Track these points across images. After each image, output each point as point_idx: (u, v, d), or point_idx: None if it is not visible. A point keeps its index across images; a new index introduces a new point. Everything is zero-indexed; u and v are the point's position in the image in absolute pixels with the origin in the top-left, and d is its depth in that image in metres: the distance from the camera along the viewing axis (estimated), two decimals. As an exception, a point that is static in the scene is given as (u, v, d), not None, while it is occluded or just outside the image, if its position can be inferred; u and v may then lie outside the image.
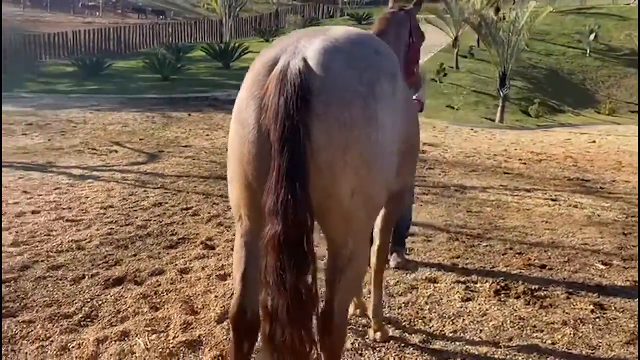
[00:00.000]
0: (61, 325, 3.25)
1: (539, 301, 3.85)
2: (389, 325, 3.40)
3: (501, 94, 18.31)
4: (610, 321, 3.58)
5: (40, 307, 3.50)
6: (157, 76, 21.11)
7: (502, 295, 3.95)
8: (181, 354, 2.97)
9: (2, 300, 3.55)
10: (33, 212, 5.59)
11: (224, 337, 3.13)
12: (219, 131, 11.74)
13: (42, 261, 4.28)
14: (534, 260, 4.73)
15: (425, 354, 3.09)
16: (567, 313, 3.69)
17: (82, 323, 3.31)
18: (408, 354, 3.08)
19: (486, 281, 4.15)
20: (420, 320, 3.51)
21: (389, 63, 2.12)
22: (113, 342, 3.06)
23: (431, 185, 7.81)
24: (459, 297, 3.87)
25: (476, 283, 4.14)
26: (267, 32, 30.68)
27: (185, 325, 3.28)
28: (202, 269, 4.22)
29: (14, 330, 3.17)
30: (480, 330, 3.41)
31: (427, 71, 4.71)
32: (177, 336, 3.14)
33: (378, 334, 3.20)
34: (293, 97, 1.78)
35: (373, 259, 3.25)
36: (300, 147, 1.78)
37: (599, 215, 6.39)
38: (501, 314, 3.62)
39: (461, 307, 3.73)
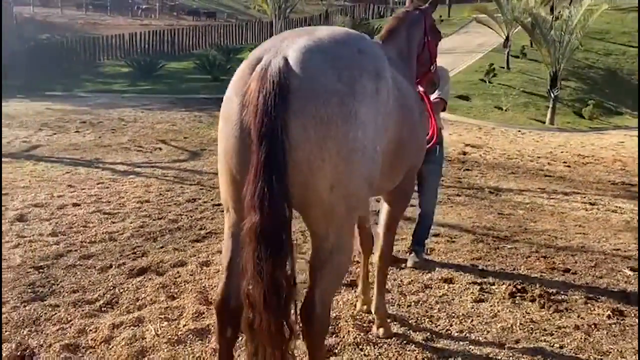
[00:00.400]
0: (83, 310, 3.46)
1: (555, 305, 3.77)
2: (395, 323, 3.43)
3: (552, 94, 17.78)
4: (627, 328, 3.48)
5: (67, 292, 3.72)
6: (207, 77, 21.71)
7: (517, 297, 3.89)
8: (188, 341, 3.11)
9: (34, 285, 3.80)
10: (74, 205, 5.91)
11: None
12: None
13: (75, 250, 4.55)
14: (558, 264, 4.63)
15: (427, 352, 3.10)
16: (581, 318, 3.61)
17: (102, 309, 3.51)
18: (409, 351, 3.11)
19: (503, 283, 4.11)
20: (427, 319, 3.52)
21: (373, 62, 2.16)
22: (127, 328, 3.23)
23: (466, 186, 7.73)
24: (471, 298, 3.85)
25: (493, 285, 4.10)
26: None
27: (197, 315, 3.42)
28: (217, 263, 4.36)
29: (39, 312, 3.39)
30: (488, 332, 3.38)
31: (448, 70, 4.67)
32: (188, 324, 3.28)
33: (381, 330, 3.24)
34: (272, 94, 1.86)
35: (376, 257, 3.29)
36: (278, 143, 1.86)
37: (638, 221, 6.15)
38: (512, 317, 3.58)
39: (472, 307, 3.71)
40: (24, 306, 3.46)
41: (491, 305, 3.76)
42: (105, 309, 3.52)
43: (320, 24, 34.49)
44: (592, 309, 3.76)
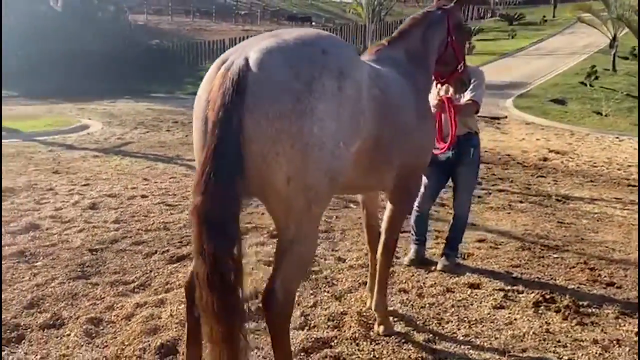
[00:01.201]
0: (117, 290, 3.81)
1: (580, 317, 3.60)
2: (401, 322, 3.46)
3: (659, 99, 16.36)
4: (654, 347, 3.25)
5: (109, 273, 4.11)
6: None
7: (542, 307, 3.75)
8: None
9: (83, 265, 4.23)
10: (142, 197, 6.43)
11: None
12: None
13: (130, 237, 4.98)
14: (604, 277, 4.37)
15: (422, 352, 3.10)
16: (605, 333, 3.41)
17: (134, 290, 3.85)
18: (404, 349, 3.13)
19: (532, 292, 3.96)
20: (435, 321, 3.50)
21: (337, 62, 2.23)
22: (149, 308, 3.52)
23: (533, 193, 7.41)
24: (491, 304, 3.76)
25: (521, 293, 3.98)
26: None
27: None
28: (254, 254, 4.59)
29: (80, 289, 3.79)
30: (495, 338, 3.31)
31: (483, 70, 4.54)
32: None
33: (381, 327, 3.28)
34: (230, 91, 2.02)
35: (378, 255, 3.33)
36: (230, 134, 2.00)
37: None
38: (528, 325, 3.47)
39: (488, 314, 3.63)
40: (69, 283, 3.88)
41: (510, 313, 3.65)
42: (137, 290, 3.85)
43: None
44: (621, 324, 3.54)
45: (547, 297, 3.88)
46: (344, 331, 3.30)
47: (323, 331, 3.28)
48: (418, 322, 3.48)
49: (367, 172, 2.64)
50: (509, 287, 4.06)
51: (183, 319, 3.34)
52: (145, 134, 11.60)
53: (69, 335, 3.17)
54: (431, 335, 3.32)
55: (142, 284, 3.95)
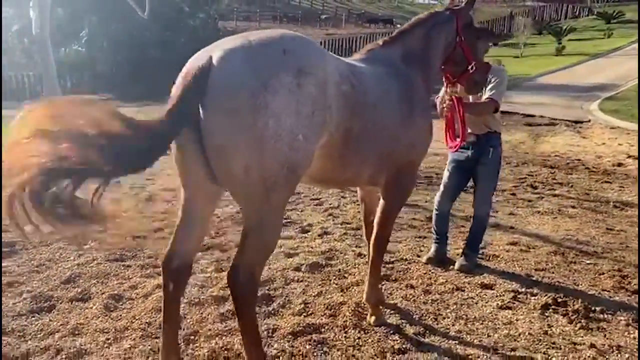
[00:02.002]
0: (146, 272, 4.19)
1: (587, 322, 3.50)
2: (397, 315, 3.54)
3: None
4: (657, 355, 3.11)
5: (144, 257, 4.51)
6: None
7: (550, 310, 3.68)
8: (206, 305, 3.62)
9: (123, 250, 4.67)
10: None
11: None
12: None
13: (172, 227, 5.35)
14: (634, 284, 4.17)
15: (407, 344, 3.18)
16: (608, 339, 3.30)
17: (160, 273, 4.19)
18: (390, 340, 3.21)
19: (545, 295, 3.89)
20: (432, 316, 3.55)
21: (298, 61, 2.38)
22: (167, 288, 3.85)
23: (591, 199, 7.08)
24: (497, 304, 3.74)
25: (534, 295, 3.91)
26: (498, 37, 29.71)
27: (226, 285, 3.91)
28: (278, 247, 4.81)
29: (113, 269, 4.21)
30: (488, 336, 3.31)
31: (504, 69, 4.48)
32: (214, 292, 3.80)
33: (372, 318, 3.39)
34: (191, 87, 2.26)
35: (370, 248, 3.44)
36: (194, 131, 2.25)
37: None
38: (527, 326, 3.43)
39: (490, 313, 3.62)
40: (105, 264, 4.31)
41: (513, 313, 3.62)
42: (163, 272, 4.20)
43: (505, 26, 33.05)
44: (630, 332, 3.41)
45: (559, 300, 3.79)
46: (337, 319, 3.44)
47: (318, 318, 3.44)
48: (414, 316, 3.54)
49: (341, 166, 2.78)
50: (522, 289, 4.00)
51: (194, 301, 3.65)
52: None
53: (91, 308, 3.56)
54: (422, 329, 3.38)
55: (170, 268, 4.29)
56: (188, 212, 2.64)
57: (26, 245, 4.68)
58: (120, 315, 3.47)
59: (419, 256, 4.65)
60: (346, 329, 3.32)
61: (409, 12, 49.41)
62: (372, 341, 3.20)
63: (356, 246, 4.91)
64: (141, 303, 3.64)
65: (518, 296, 3.88)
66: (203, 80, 2.24)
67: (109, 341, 3.14)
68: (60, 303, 3.62)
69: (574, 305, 3.73)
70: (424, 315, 3.57)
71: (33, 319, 3.39)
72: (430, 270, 4.36)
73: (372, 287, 3.44)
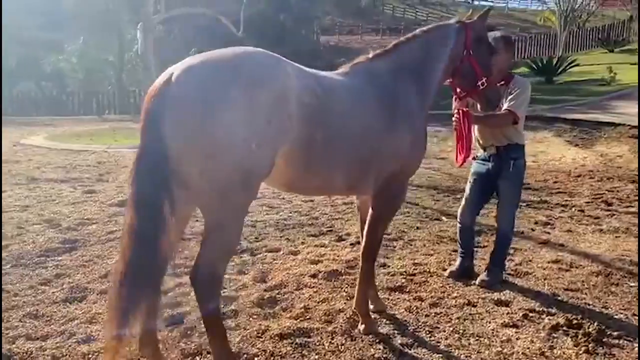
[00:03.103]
0: (176, 271, 4.51)
1: (594, 346, 3.28)
2: (391, 324, 3.54)
3: None
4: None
5: (182, 258, 4.83)
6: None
7: (560, 331, 3.48)
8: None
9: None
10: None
11: (254, 300, 3.87)
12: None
13: (218, 230, 5.72)
14: (671, 311, 3.81)
15: (389, 353, 3.17)
16: (611, 364, 3.08)
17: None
18: (373, 348, 3.22)
19: (561, 315, 3.68)
20: (428, 329, 3.50)
21: (250, 75, 2.53)
22: (187, 286, 4.13)
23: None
24: (503, 321, 3.60)
25: (551, 315, 3.71)
26: (614, 43, 27.66)
27: (241, 287, 4.14)
28: (307, 253, 4.97)
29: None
30: (478, 353, 3.21)
31: (527, 81, 4.26)
32: (226, 293, 4.03)
33: (362, 326, 3.42)
34: (153, 102, 2.50)
35: (360, 256, 3.48)
36: (154, 137, 2.49)
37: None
38: (524, 346, 3.28)
39: (492, 329, 3.50)
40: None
41: (516, 332, 3.47)
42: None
43: (622, 32, 30.65)
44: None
45: (575, 322, 3.58)
46: (330, 325, 3.51)
47: (312, 323, 3.54)
48: (409, 328, 3.52)
49: (307, 173, 2.89)
50: (540, 308, 3.81)
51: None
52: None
53: (114, 299, 3.94)
54: (411, 340, 3.35)
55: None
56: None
57: (85, 243, 5.24)
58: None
59: (445, 270, 4.57)
60: (334, 335, 3.39)
61: (520, 20, 47.52)
62: (353, 348, 3.24)
63: (384, 257, 4.92)
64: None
65: (530, 315, 3.71)
66: (163, 95, 2.48)
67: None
68: (91, 294, 4.03)
69: (588, 327, 3.50)
70: (420, 327, 3.54)
71: (63, 306, 3.82)
72: (448, 284, 4.27)
73: (362, 295, 3.47)
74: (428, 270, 4.58)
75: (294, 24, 28.99)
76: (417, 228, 5.95)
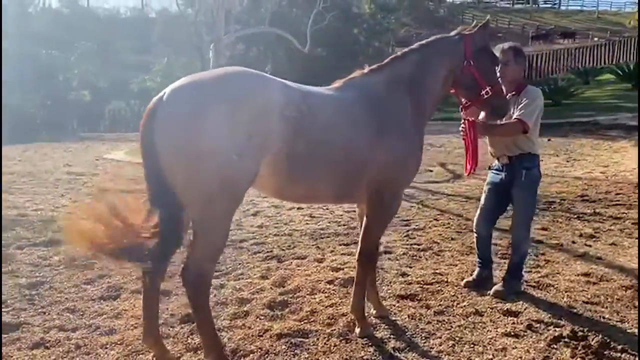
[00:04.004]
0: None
1: (592, 358, 3.20)
2: (390, 329, 3.63)
3: None
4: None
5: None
6: (549, 101, 21.03)
7: (561, 342, 3.42)
8: (228, 304, 4.11)
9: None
10: (298, 208, 7.49)
11: (266, 302, 4.09)
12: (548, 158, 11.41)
13: (255, 238, 6.03)
14: (695, 327, 3.62)
15: (378, 356, 3.27)
16: (604, 378, 3.00)
17: (217, 276, 4.78)
18: (364, 351, 3.32)
19: (567, 327, 3.60)
20: (425, 335, 3.55)
21: (233, 92, 2.77)
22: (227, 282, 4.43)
23: None
24: (504, 331, 3.58)
25: (558, 327, 3.64)
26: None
27: (257, 291, 4.37)
28: (331, 261, 5.13)
29: (180, 269, 4.94)
30: (468, 359, 3.24)
31: (538, 89, 4.17)
32: (244, 295, 4.27)
33: (358, 329, 3.54)
34: (147, 117, 2.82)
35: (356, 261, 3.61)
36: (149, 151, 2.81)
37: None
38: (519, 355, 3.26)
39: (490, 338, 3.50)
40: (180, 265, 5.08)
41: (515, 341, 3.45)
42: (219, 276, 4.78)
43: None
44: (640, 375, 3.04)
45: (579, 334, 3.50)
46: (329, 328, 3.66)
47: (313, 325, 3.70)
48: (407, 333, 3.59)
49: (291, 181, 3.08)
50: (548, 320, 3.74)
51: (221, 299, 4.18)
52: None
53: (141, 299, 4.30)
54: (405, 345, 3.42)
55: (228, 272, 4.90)
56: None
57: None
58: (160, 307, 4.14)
59: (463, 279, 4.58)
60: (330, 337, 3.53)
61: (611, 23, 45.08)
62: (344, 350, 3.36)
63: (407, 266, 4.99)
64: (182, 297, 4.27)
65: (535, 325, 3.66)
66: (154, 112, 2.79)
67: (136, 325, 3.80)
68: (124, 293, 4.43)
69: (591, 339, 3.42)
70: (417, 333, 3.60)
71: (97, 303, 4.23)
72: (461, 294, 4.28)
73: (358, 298, 3.59)
74: (446, 280, 4.60)
75: (366, 38, 29.20)
76: (452, 239, 5.94)
